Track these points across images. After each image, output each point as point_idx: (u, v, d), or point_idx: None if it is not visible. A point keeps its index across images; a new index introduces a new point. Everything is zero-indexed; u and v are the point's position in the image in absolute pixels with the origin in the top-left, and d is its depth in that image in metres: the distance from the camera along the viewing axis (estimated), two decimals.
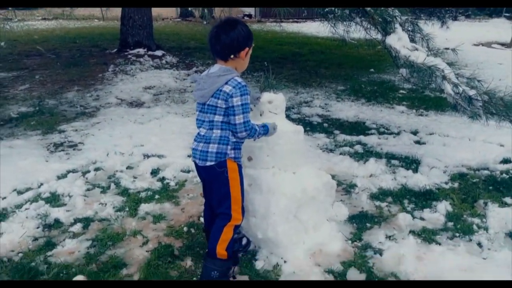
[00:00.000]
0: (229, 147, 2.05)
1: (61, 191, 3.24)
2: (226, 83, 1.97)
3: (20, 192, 3.22)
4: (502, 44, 11.79)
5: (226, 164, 2.07)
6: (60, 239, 2.66)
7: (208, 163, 2.06)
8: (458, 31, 10.89)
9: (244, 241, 2.51)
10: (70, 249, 2.56)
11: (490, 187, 3.36)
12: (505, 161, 3.81)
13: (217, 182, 2.11)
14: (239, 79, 1.99)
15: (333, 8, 3.85)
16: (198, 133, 2.14)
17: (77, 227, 2.78)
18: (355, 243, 2.64)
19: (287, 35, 13.04)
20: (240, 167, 2.15)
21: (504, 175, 3.56)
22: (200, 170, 2.16)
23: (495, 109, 3.23)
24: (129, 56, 8.49)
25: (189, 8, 15.61)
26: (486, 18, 19.80)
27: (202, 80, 2.04)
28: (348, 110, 5.61)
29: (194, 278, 2.29)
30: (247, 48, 2.06)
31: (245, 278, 2.31)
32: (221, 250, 2.10)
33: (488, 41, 12.33)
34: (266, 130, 2.20)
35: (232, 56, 2.03)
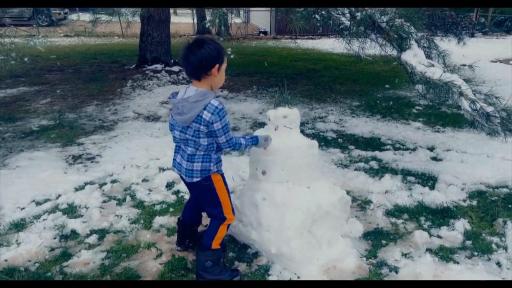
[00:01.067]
0: (211, 163, 2.21)
1: (78, 202, 3.30)
2: (205, 108, 2.03)
3: (38, 203, 3.29)
4: None
5: (211, 178, 2.24)
6: (76, 250, 2.70)
7: (195, 179, 2.22)
8: (476, 47, 10.81)
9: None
10: (86, 260, 2.59)
11: (510, 206, 3.28)
12: None
13: (206, 193, 2.29)
14: (216, 103, 2.05)
15: (348, 25, 3.88)
16: (182, 149, 2.23)
17: (93, 239, 2.82)
18: (370, 260, 2.60)
19: (302, 51, 13.15)
20: (222, 176, 2.31)
21: None
22: (187, 183, 2.31)
23: None
24: (147, 72, 8.67)
25: (206, 25, 15.91)
26: (504, 35, 19.61)
27: (180, 104, 2.08)
28: (363, 125, 5.58)
29: None
30: (217, 65, 2.07)
31: None
32: (216, 245, 2.33)
33: (506, 58, 12.19)
34: (255, 141, 2.35)
35: (204, 75, 2.07)
